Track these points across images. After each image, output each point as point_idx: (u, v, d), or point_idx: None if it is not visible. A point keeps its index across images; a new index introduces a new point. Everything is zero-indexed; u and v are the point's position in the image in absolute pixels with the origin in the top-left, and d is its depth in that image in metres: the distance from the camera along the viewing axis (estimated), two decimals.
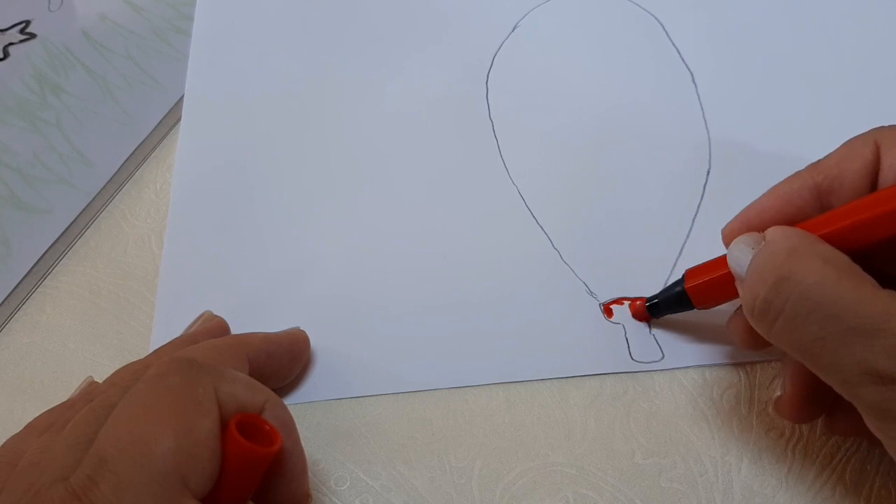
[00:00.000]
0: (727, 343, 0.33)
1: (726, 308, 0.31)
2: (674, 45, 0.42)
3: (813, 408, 0.29)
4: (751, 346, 0.30)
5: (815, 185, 0.28)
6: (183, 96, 0.43)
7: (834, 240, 0.26)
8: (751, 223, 0.29)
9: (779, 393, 0.30)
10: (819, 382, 0.25)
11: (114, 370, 0.31)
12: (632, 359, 0.34)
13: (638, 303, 0.34)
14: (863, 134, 0.28)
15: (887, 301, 0.23)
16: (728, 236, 0.30)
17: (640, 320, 0.34)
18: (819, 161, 0.29)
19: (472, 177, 0.39)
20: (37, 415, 0.30)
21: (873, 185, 0.27)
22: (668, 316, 0.33)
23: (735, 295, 0.29)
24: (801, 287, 0.24)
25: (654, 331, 0.34)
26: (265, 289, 0.37)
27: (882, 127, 0.28)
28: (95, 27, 0.47)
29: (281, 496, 0.28)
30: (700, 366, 0.33)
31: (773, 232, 0.26)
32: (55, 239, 0.39)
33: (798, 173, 0.29)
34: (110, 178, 0.41)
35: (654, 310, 0.33)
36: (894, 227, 0.26)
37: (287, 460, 0.28)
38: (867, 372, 0.23)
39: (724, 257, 0.29)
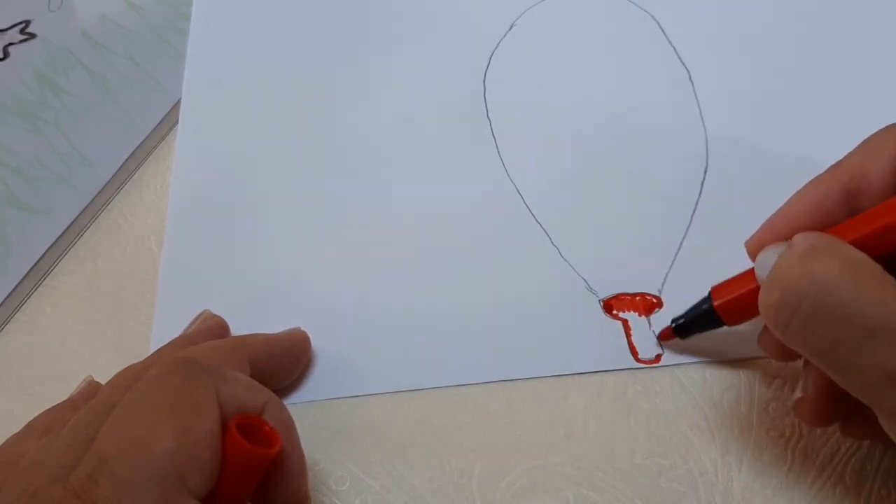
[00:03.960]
0: (728, 340, 0.33)
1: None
2: (670, 43, 0.42)
3: (834, 412, 0.28)
4: (782, 358, 0.29)
5: (843, 186, 0.27)
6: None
7: (866, 244, 0.24)
8: (778, 232, 0.28)
9: (799, 394, 0.29)
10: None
11: (114, 370, 0.31)
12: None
13: (663, 330, 0.33)
14: (880, 131, 0.27)
15: None
16: (755, 247, 0.28)
17: (668, 344, 0.33)
18: (840, 162, 0.28)
19: (471, 176, 0.39)
20: (37, 414, 0.30)
21: None
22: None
23: None
24: (816, 286, 0.23)
25: (654, 327, 0.34)
26: (265, 288, 0.37)
27: None
28: (95, 27, 0.47)
29: (280, 497, 0.28)
30: (700, 364, 0.33)
31: (797, 237, 0.25)
32: (55, 239, 0.39)
33: (821, 177, 0.28)
34: (110, 179, 0.41)
35: (682, 331, 0.32)
36: None
37: (286, 461, 0.28)
38: (889, 376, 0.22)
39: (750, 271, 0.28)
